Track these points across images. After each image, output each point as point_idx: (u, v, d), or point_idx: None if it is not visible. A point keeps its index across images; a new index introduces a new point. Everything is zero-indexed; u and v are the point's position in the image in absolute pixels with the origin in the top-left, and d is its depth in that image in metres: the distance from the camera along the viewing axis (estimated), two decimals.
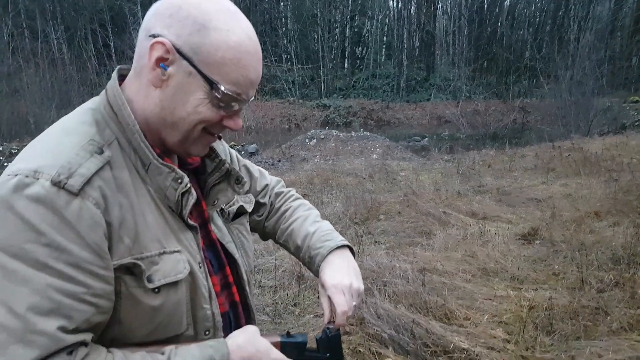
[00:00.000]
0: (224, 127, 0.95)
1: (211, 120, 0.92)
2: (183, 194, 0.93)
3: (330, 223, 4.71)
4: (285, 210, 1.37)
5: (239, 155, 1.33)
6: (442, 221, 6.13)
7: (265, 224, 1.37)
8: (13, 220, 0.76)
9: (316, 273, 1.23)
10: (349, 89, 32.63)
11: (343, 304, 1.12)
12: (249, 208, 1.21)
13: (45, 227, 0.76)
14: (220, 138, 1.02)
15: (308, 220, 1.33)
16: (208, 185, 1.08)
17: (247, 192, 1.27)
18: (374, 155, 13.12)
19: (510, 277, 4.39)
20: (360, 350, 3.24)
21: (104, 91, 0.95)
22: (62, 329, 0.77)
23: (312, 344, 1.10)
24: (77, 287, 0.78)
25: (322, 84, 31.63)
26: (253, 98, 0.97)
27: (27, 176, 0.78)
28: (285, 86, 31.20)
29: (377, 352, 3.22)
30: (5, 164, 11.08)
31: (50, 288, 0.76)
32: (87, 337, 0.82)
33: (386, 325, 3.37)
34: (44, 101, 17.36)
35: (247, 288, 1.15)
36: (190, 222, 0.96)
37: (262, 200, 1.35)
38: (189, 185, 0.93)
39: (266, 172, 1.43)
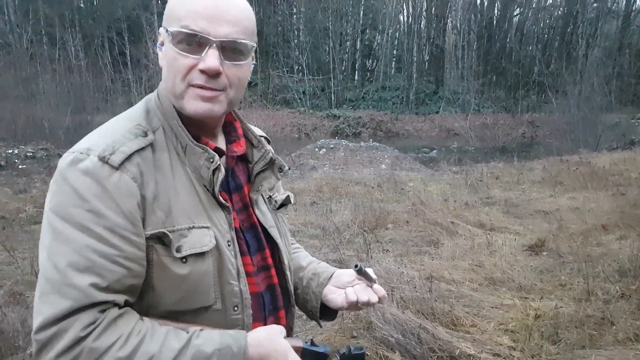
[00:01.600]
0: (202, 73, 0.97)
1: (185, 67, 0.97)
2: (214, 171, 1.02)
3: (339, 230, 4.85)
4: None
5: None
6: (449, 231, 6.20)
7: None
8: (66, 188, 0.90)
9: (322, 284, 1.30)
10: (358, 100, 32.80)
11: (381, 288, 1.24)
12: (292, 200, 1.31)
13: (89, 194, 0.89)
14: (212, 89, 1.00)
15: (310, 257, 1.43)
16: (254, 173, 1.17)
17: None
18: (383, 166, 13.20)
19: (517, 286, 4.45)
20: (367, 354, 3.32)
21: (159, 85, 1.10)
22: (94, 286, 0.87)
23: (333, 358, 1.11)
24: (111, 249, 0.89)
25: (333, 94, 31.84)
26: (227, 39, 0.98)
27: (81, 153, 0.93)
28: (296, 96, 31.43)
29: (384, 356, 3.28)
30: (20, 166, 11.27)
31: (87, 248, 0.87)
32: (119, 298, 0.91)
33: (393, 330, 3.44)
34: (59, 106, 17.58)
35: (287, 272, 1.20)
36: (222, 201, 1.05)
37: None
38: (218, 162, 1.02)
39: None
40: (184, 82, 0.99)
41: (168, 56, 1.00)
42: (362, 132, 26.45)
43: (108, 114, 20.00)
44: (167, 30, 0.99)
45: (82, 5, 34.74)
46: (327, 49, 32.71)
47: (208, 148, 1.03)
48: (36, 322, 0.86)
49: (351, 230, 6.21)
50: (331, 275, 1.30)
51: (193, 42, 0.97)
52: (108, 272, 0.88)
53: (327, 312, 1.33)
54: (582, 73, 22.02)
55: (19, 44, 26.56)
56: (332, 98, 31.81)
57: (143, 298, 0.97)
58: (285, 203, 1.28)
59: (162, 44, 1.03)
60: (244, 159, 1.19)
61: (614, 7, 36.38)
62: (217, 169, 1.02)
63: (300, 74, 32.65)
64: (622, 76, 32.98)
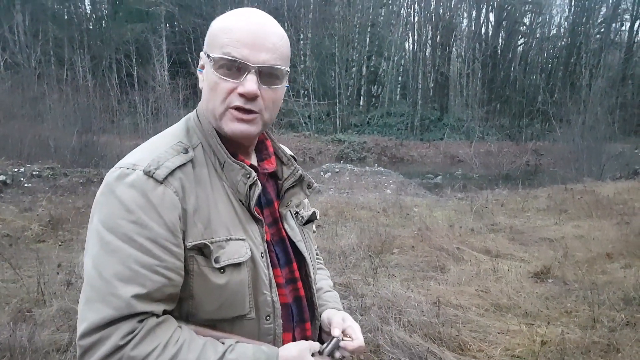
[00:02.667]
0: (241, 96, 1.04)
1: (225, 91, 1.04)
2: (250, 186, 1.08)
3: (345, 254, 4.89)
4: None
5: None
6: (455, 257, 6.21)
7: None
8: (113, 201, 0.97)
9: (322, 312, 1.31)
10: (363, 126, 32.99)
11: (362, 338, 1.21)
12: (318, 216, 1.37)
13: (134, 206, 0.95)
14: (249, 112, 1.06)
15: (328, 282, 1.47)
16: (283, 189, 1.23)
17: None
18: (388, 191, 13.24)
19: (522, 313, 4.45)
20: None
21: (199, 104, 1.17)
22: (136, 297, 0.92)
23: None
24: (152, 259, 0.94)
25: (338, 119, 32.05)
26: (265, 65, 1.04)
27: (127, 168, 0.99)
28: (302, 120, 31.64)
29: None
30: (26, 184, 11.34)
31: (130, 259, 0.93)
32: (159, 308, 0.96)
33: (401, 353, 3.45)
34: (66, 126, 17.72)
35: (313, 286, 1.25)
36: (256, 214, 1.10)
37: None
38: (255, 178, 1.08)
39: None
40: (223, 104, 1.06)
41: (209, 80, 1.07)
42: (367, 157, 26.54)
43: (114, 134, 20.21)
44: (209, 56, 1.06)
45: (91, 27, 35.37)
46: (333, 74, 33.08)
47: (245, 165, 1.09)
48: (81, 327, 0.92)
49: (357, 254, 6.22)
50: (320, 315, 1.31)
51: (233, 67, 1.03)
52: (149, 282, 0.94)
53: None
54: (586, 103, 22.18)
55: (27, 64, 26.90)
56: (338, 123, 32.01)
57: (183, 306, 1.03)
58: (311, 219, 1.33)
59: (203, 67, 1.10)
60: (273, 175, 1.25)
61: (616, 39, 36.81)
62: (254, 184, 1.08)
63: (306, 99, 32.92)
64: (626, 106, 33.17)
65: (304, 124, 31.54)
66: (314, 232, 1.41)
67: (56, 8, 34.33)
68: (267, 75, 1.06)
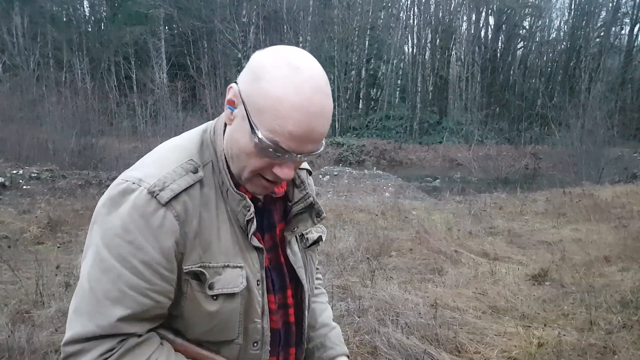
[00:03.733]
0: (275, 175, 0.99)
1: (257, 165, 0.99)
2: (248, 221, 1.04)
3: (343, 257, 4.89)
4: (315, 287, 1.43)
5: None
6: (453, 259, 6.22)
7: None
8: (115, 217, 0.95)
9: (321, 359, 1.32)
10: (362, 129, 33.05)
11: None
12: (324, 237, 1.32)
13: (133, 227, 0.93)
14: (275, 183, 1.04)
15: (328, 313, 1.43)
16: (292, 213, 1.17)
17: None
18: (386, 194, 13.26)
19: (520, 315, 4.46)
20: None
21: (219, 117, 1.11)
22: (122, 319, 0.93)
23: None
24: (142, 282, 0.94)
25: (337, 122, 32.09)
26: (309, 156, 0.99)
27: (133, 183, 0.96)
28: None
29: None
30: (25, 186, 11.34)
31: (121, 280, 0.93)
32: (143, 328, 0.97)
33: (398, 355, 3.46)
34: (65, 128, 17.70)
35: (305, 312, 1.22)
36: (255, 243, 1.07)
37: None
38: (252, 215, 1.04)
39: None
40: (254, 172, 1.01)
41: (245, 142, 0.98)
42: (365, 160, 26.57)
43: (112, 137, 20.22)
44: (252, 127, 0.95)
45: (89, 29, 35.38)
46: (332, 77, 33.09)
47: (246, 197, 1.04)
48: (67, 334, 0.94)
49: (355, 257, 6.23)
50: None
51: (277, 154, 0.96)
52: (136, 304, 0.94)
53: None
54: (585, 106, 22.22)
55: (26, 66, 26.89)
56: (336, 126, 32.06)
57: (173, 323, 1.03)
58: (316, 241, 1.29)
59: (234, 105, 1.01)
60: (282, 197, 1.20)
61: (616, 43, 36.91)
62: (250, 220, 1.04)
63: None
64: (625, 110, 33.26)
65: None
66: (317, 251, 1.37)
67: (55, 10, 34.32)
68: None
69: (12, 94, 20.81)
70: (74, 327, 0.93)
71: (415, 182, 17.72)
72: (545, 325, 4.09)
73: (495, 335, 3.97)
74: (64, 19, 34.34)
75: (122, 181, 0.98)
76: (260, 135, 0.94)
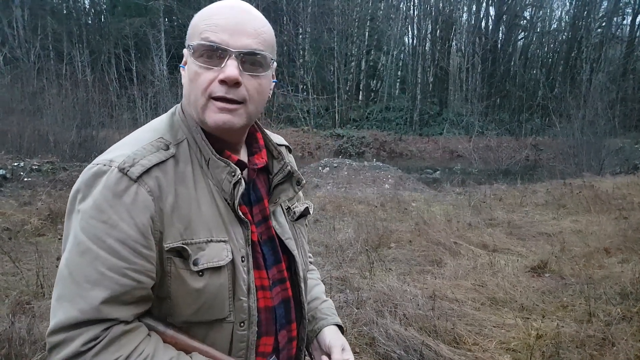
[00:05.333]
0: (222, 83, 0.99)
1: (206, 80, 1.00)
2: (234, 184, 1.04)
3: (343, 248, 4.90)
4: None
5: None
6: (452, 251, 6.23)
7: None
8: (90, 200, 0.94)
9: (313, 331, 1.31)
10: (362, 120, 32.95)
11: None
12: (311, 210, 1.33)
13: (106, 205, 0.92)
14: (232, 102, 1.02)
15: (320, 287, 1.44)
16: (272, 184, 1.18)
17: None
18: (386, 185, 13.25)
19: (519, 307, 4.47)
20: None
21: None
22: (104, 301, 0.90)
23: None
24: (120, 261, 0.92)
25: (337, 114, 32.00)
26: (246, 49, 1.00)
27: (104, 165, 0.96)
28: (301, 115, 31.61)
29: None
30: (26, 179, 11.35)
31: (98, 261, 0.92)
32: (128, 312, 0.94)
33: (396, 346, 3.48)
34: (65, 121, 17.68)
35: (301, 285, 1.21)
36: (241, 215, 1.06)
37: None
38: (239, 176, 1.04)
39: None
40: (204, 95, 1.01)
41: (190, 71, 1.03)
42: (365, 152, 26.52)
43: (113, 129, 20.18)
44: (189, 46, 1.02)
45: (89, 21, 35.25)
46: (332, 69, 32.99)
47: (230, 162, 1.05)
48: (51, 323, 0.93)
49: (354, 249, 6.24)
50: (321, 330, 1.31)
51: (214, 55, 0.99)
52: (117, 285, 0.92)
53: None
54: (586, 97, 22.12)
55: (26, 58, 26.79)
56: (336, 117, 31.98)
57: (162, 305, 1.01)
58: (304, 214, 1.29)
59: (185, 63, 1.06)
60: (265, 170, 1.20)
61: (618, 33, 36.72)
62: (237, 182, 1.04)
63: (305, 93, 32.87)
64: (626, 101, 33.12)
65: (302, 119, 31.50)
66: (306, 226, 1.37)
67: (55, 2, 34.19)
68: (249, 61, 1.01)
69: (12, 87, 20.76)
70: (57, 315, 0.91)
71: (415, 174, 17.70)
72: (544, 317, 4.11)
73: (494, 326, 3.99)
74: (64, 11, 34.17)
75: (93, 165, 0.98)
76: (193, 43, 1.00)
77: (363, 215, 8.61)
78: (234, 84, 0.99)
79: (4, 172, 11.19)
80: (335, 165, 15.06)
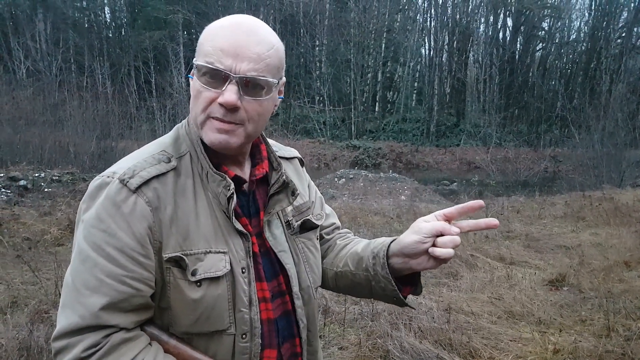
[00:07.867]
0: (221, 107, 1.01)
1: (206, 100, 1.02)
2: (229, 198, 1.05)
3: None
4: (346, 244, 1.39)
5: (317, 190, 1.43)
6: (469, 264, 6.17)
7: (324, 260, 1.37)
8: (92, 210, 0.98)
9: (385, 256, 1.19)
10: (379, 132, 32.94)
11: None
12: (319, 222, 1.29)
13: (105, 215, 0.96)
14: (229, 123, 1.03)
15: (364, 240, 1.36)
16: (268, 194, 1.17)
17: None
18: (402, 197, 13.21)
19: (536, 320, 4.41)
20: None
21: None
22: (103, 308, 0.93)
23: None
24: (119, 269, 0.95)
25: (353, 125, 32.04)
26: (246, 75, 1.00)
27: (108, 177, 1.01)
28: (317, 126, 31.72)
29: None
30: (46, 189, 11.55)
31: (97, 268, 0.95)
32: (127, 320, 0.96)
33: (410, 359, 3.45)
34: (85, 132, 18.00)
35: (295, 301, 1.16)
36: (239, 227, 1.07)
37: (327, 237, 1.41)
38: (232, 190, 1.04)
39: (335, 215, 1.50)
40: (204, 113, 1.03)
41: (194, 88, 1.05)
42: (381, 163, 26.48)
43: (132, 140, 20.46)
44: (195, 63, 1.05)
45: (110, 35, 35.95)
46: (349, 80, 33.12)
47: (226, 176, 1.06)
48: (56, 329, 0.96)
49: None
50: (388, 247, 1.20)
51: (216, 76, 1.01)
52: (115, 292, 0.94)
53: (409, 282, 1.24)
54: (606, 108, 21.87)
55: (48, 71, 27.36)
56: (353, 129, 32.02)
57: (163, 316, 1.03)
58: (310, 226, 1.26)
59: (193, 74, 1.08)
60: (265, 181, 1.19)
61: (638, 43, 36.27)
62: (230, 196, 1.05)
63: (321, 105, 33.02)
64: None
65: (318, 130, 31.61)
66: (322, 237, 1.34)
67: (77, 17, 35.01)
68: (250, 86, 1.02)
69: (34, 99, 21.17)
70: (60, 322, 0.95)
71: (432, 185, 17.60)
72: (561, 331, 4.05)
73: (510, 340, 3.94)
74: (86, 25, 34.99)
75: (99, 177, 1.03)
76: (197, 63, 1.03)
77: (379, 226, 8.58)
78: (232, 108, 1.01)
79: (25, 182, 11.41)
80: (351, 176, 15.07)
